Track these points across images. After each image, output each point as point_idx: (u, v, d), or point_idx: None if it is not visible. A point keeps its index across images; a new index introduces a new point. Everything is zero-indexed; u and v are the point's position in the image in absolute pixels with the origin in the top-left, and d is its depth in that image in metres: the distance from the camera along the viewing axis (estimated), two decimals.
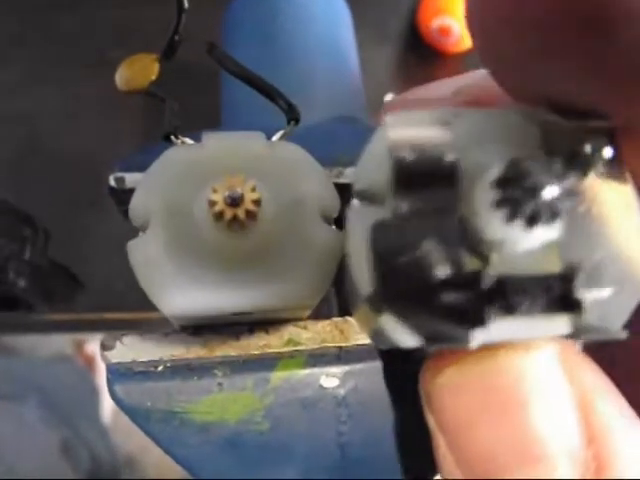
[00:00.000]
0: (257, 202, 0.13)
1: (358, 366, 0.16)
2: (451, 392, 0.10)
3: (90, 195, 0.39)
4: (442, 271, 0.09)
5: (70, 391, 0.79)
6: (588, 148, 0.09)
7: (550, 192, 0.08)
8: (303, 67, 0.26)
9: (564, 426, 0.10)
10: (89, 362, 0.95)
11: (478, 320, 0.09)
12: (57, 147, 0.42)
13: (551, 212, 0.08)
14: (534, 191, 0.08)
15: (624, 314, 0.10)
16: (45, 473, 0.67)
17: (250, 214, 0.13)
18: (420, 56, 0.43)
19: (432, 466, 0.11)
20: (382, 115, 0.16)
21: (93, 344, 0.97)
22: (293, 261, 0.14)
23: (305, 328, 0.16)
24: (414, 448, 0.15)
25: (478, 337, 0.09)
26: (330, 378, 0.16)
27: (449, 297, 0.09)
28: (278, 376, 0.16)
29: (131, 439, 0.89)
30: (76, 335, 0.91)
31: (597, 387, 0.10)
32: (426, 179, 0.10)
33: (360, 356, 0.16)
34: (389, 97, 0.40)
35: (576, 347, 0.10)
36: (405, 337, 0.10)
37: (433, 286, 0.09)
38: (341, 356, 0.16)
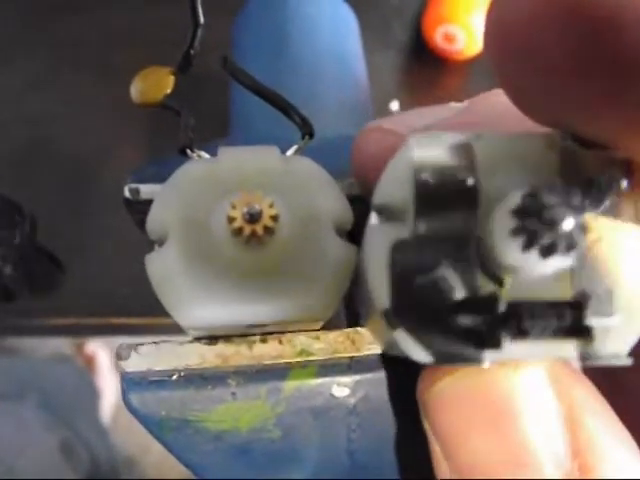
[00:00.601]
0: (275, 218, 0.14)
1: (368, 376, 0.16)
2: (445, 402, 0.11)
3: (94, 199, 0.40)
4: (458, 293, 0.09)
5: (70, 391, 0.79)
6: (604, 178, 0.10)
7: (568, 225, 0.08)
8: (311, 76, 0.27)
9: (551, 438, 0.10)
10: (89, 363, 0.95)
11: (492, 342, 0.09)
12: (62, 151, 0.42)
13: (568, 244, 0.08)
14: (552, 223, 0.08)
15: (630, 342, 0.10)
16: (45, 473, 0.67)
17: (268, 230, 0.14)
18: (425, 63, 0.43)
19: (430, 476, 0.12)
20: (355, 141, 0.16)
21: (93, 345, 0.97)
22: (308, 275, 0.14)
23: (317, 339, 0.16)
24: (413, 457, 0.15)
25: (490, 357, 0.10)
26: (341, 387, 0.16)
27: (464, 319, 0.09)
28: (290, 385, 0.16)
29: (130, 439, 0.89)
30: (80, 339, 0.91)
31: (586, 403, 0.10)
32: (446, 202, 0.10)
33: (370, 366, 0.16)
34: (394, 104, 0.41)
35: (568, 363, 0.11)
36: (418, 353, 0.10)
37: (448, 308, 0.09)
38: (352, 366, 0.16)
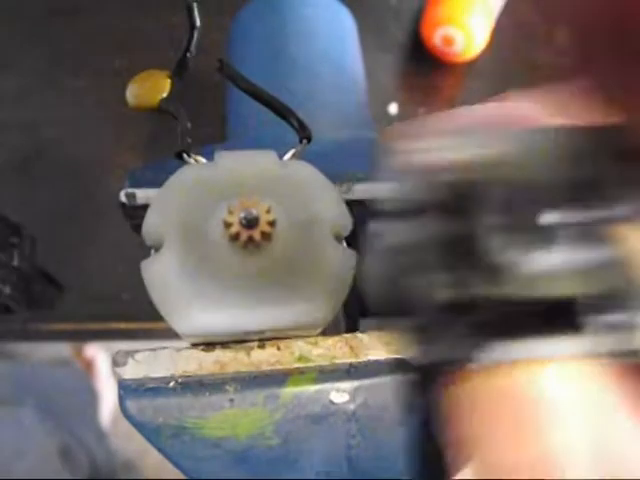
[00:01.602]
0: (272, 223, 0.13)
1: (367, 381, 0.16)
2: (468, 405, 0.10)
3: (93, 203, 0.40)
4: (444, 295, 0.09)
5: (69, 395, 0.79)
6: (612, 175, 0.09)
7: (544, 220, 0.08)
8: (308, 78, 0.27)
9: (579, 443, 0.10)
10: (88, 366, 0.95)
11: (478, 344, 0.09)
12: (61, 155, 0.42)
13: (544, 240, 0.08)
14: (527, 219, 0.08)
15: None
16: (44, 477, 0.67)
17: (265, 235, 0.13)
18: (423, 66, 0.43)
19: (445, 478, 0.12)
20: (379, 143, 0.16)
21: (92, 348, 0.97)
22: (306, 280, 0.14)
23: (316, 344, 0.16)
24: (427, 461, 0.15)
25: (481, 359, 0.10)
26: (340, 393, 0.16)
27: (451, 321, 0.09)
28: (288, 392, 0.16)
29: (130, 443, 0.89)
30: (80, 344, 0.91)
31: (614, 407, 0.10)
32: (438, 203, 0.10)
33: (369, 372, 0.16)
34: (393, 107, 0.41)
35: (597, 365, 0.10)
36: (412, 354, 0.10)
37: (435, 310, 0.09)
38: (351, 372, 0.16)
